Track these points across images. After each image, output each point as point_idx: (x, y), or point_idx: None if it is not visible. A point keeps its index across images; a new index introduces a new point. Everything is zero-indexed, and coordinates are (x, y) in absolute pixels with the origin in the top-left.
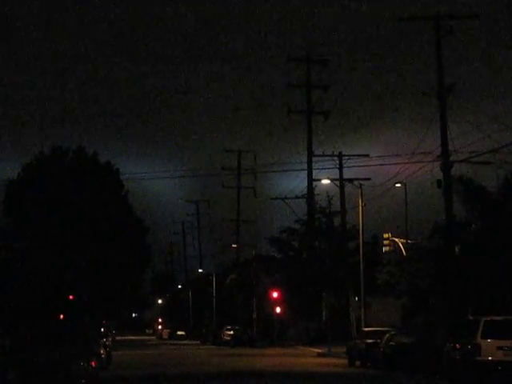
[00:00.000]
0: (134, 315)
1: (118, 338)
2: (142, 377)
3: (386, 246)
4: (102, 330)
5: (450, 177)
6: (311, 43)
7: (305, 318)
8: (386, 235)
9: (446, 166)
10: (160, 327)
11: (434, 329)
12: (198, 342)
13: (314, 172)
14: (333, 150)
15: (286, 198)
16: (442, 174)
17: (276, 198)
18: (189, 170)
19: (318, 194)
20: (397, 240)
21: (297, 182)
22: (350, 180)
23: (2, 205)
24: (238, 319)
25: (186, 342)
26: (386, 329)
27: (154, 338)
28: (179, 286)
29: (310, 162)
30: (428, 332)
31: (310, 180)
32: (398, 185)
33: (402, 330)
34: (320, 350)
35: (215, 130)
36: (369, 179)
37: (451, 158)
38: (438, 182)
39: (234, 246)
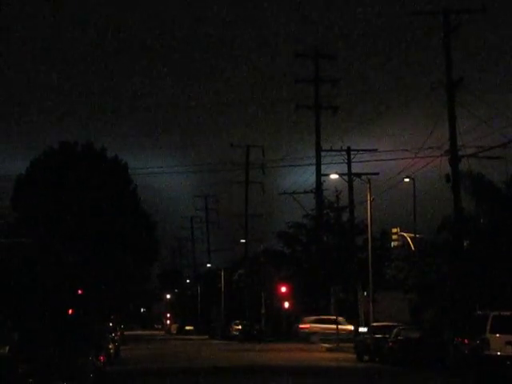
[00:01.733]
0: (142, 310)
1: (126, 332)
2: (150, 371)
3: (394, 240)
4: (111, 324)
5: (458, 171)
6: (320, 38)
7: (313, 313)
8: (394, 230)
9: (455, 161)
10: (168, 322)
11: (442, 324)
12: (207, 336)
13: (323, 167)
14: (341, 145)
15: (294, 192)
16: (450, 168)
17: (284, 193)
18: (197, 164)
19: (326, 189)
20: (405, 235)
21: (305, 177)
22: (359, 175)
23: (11, 200)
24: (246, 314)
25: (194, 336)
26: (394, 324)
27: (162, 332)
28: (187, 281)
29: (318, 157)
30: (436, 327)
31: (319, 175)
32: (407, 179)
33: (410, 325)
34: (328, 345)
35: (223, 124)
36: (377, 174)
37: (460, 153)
38: (447, 176)
39: (242, 240)
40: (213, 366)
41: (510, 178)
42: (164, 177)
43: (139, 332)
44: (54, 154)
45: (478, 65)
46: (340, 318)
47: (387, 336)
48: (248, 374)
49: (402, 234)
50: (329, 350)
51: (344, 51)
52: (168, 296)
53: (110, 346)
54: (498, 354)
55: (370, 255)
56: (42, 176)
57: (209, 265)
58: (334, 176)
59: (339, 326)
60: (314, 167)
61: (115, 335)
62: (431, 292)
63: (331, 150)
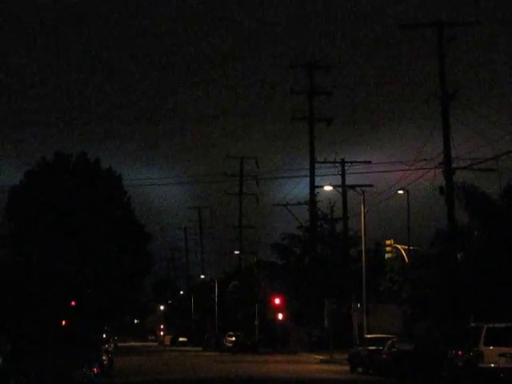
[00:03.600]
0: (135, 321)
1: (119, 344)
2: (144, 383)
3: (388, 252)
4: (104, 335)
5: (452, 183)
6: (314, 49)
7: (307, 325)
8: (388, 242)
9: (449, 173)
10: (162, 333)
11: (436, 336)
12: (200, 348)
13: (317, 178)
14: (335, 157)
15: (288, 204)
16: (444, 180)
17: (278, 205)
18: (191, 176)
19: (320, 201)
20: (399, 247)
21: (299, 189)
22: (353, 187)
23: (5, 211)
24: (240, 325)
25: (188, 348)
26: (387, 335)
27: (156, 344)
28: (181, 293)
29: (312, 169)
30: (430, 339)
31: (313, 186)
32: (401, 191)
33: (403, 336)
34: (322, 357)
35: (218, 136)
36: (371, 186)
37: (453, 165)
38: (441, 188)
39: (236, 252)
40: (206, 378)
41: (503, 190)
42: (158, 188)
43: (133, 343)
44: (49, 165)
45: (473, 77)
46: None
47: (381, 348)
48: None
49: (396, 245)
50: (322, 361)
51: (338, 63)
52: (162, 307)
53: (104, 358)
54: (492, 366)
55: (363, 267)
56: (37, 187)
57: (202, 276)
58: (327, 188)
59: None
60: (308, 179)
61: (109, 346)
62: (425, 304)
63: (325, 162)
